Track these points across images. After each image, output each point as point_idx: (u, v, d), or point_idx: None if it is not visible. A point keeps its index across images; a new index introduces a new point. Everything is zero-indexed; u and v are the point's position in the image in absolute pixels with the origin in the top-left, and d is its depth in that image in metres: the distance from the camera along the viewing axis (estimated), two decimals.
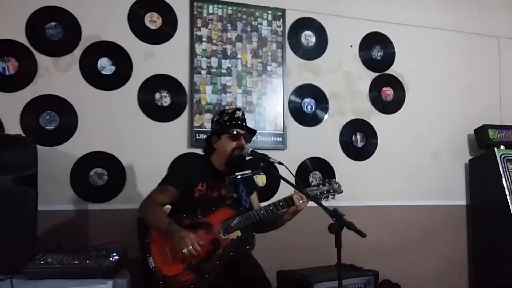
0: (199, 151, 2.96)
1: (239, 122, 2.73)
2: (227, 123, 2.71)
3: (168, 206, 2.74)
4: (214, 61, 3.65)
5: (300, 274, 3.18)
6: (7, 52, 3.20)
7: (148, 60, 3.50)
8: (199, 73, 3.61)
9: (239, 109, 2.79)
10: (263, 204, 2.75)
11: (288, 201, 2.56)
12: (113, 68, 3.42)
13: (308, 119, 3.91)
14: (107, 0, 3.44)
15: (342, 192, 2.63)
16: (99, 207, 3.28)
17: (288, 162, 2.66)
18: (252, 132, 2.81)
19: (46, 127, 3.24)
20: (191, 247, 2.39)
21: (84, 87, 3.34)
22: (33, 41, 3.26)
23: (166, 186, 2.66)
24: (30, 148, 2.66)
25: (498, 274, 3.87)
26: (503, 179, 3.86)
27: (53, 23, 3.31)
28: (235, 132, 2.69)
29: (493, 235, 3.96)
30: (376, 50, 4.17)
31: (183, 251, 2.39)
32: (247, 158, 2.73)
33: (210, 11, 3.69)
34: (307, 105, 3.91)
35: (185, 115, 3.55)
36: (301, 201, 2.53)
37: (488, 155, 4.04)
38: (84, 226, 3.24)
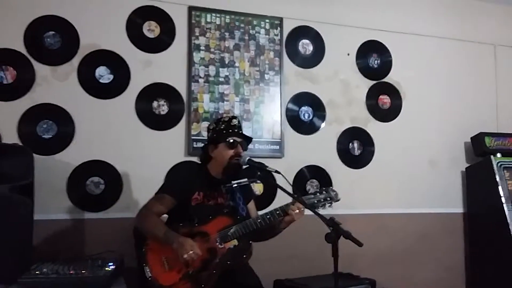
0: (196, 160, 2.96)
1: (236, 130, 2.72)
2: (224, 132, 2.71)
3: (165, 215, 2.73)
4: (212, 70, 3.67)
5: (297, 283, 3.17)
6: (5, 61, 3.21)
7: (146, 69, 3.51)
8: (197, 81, 3.62)
9: (235, 117, 2.79)
10: (260, 212, 2.75)
11: (285, 209, 2.55)
12: (111, 76, 3.43)
13: (305, 127, 3.92)
14: (106, 9, 3.45)
15: (339, 200, 2.61)
16: (95, 216, 3.28)
17: (285, 170, 2.67)
18: (249, 139, 2.81)
19: (44, 136, 3.25)
20: (191, 252, 2.38)
21: (82, 96, 3.35)
22: (31, 50, 3.27)
23: (163, 195, 2.65)
24: (27, 157, 2.66)
25: (495, 281, 3.88)
26: (500, 187, 3.86)
27: (51, 32, 3.32)
28: (232, 141, 2.68)
29: (489, 242, 3.97)
30: (373, 58, 4.19)
31: (184, 256, 2.37)
32: (244, 166, 2.74)
33: (208, 19, 3.70)
34: (304, 113, 3.92)
35: (182, 123, 3.56)
36: (296, 211, 2.51)
37: (484, 162, 4.05)
38: (81, 235, 3.23)
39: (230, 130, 2.71)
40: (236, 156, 2.67)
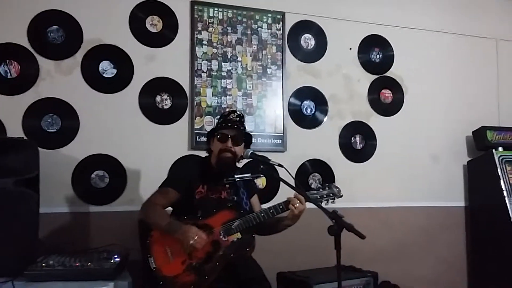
0: (200, 154, 2.98)
1: (229, 124, 2.68)
2: (218, 125, 2.73)
3: (170, 208, 2.76)
4: (214, 64, 3.68)
5: (300, 276, 3.20)
6: (9, 55, 3.23)
7: (149, 63, 3.52)
8: (200, 76, 3.63)
9: (234, 111, 2.77)
10: (263, 206, 2.77)
11: (288, 204, 2.56)
12: (115, 71, 3.45)
13: (307, 121, 3.93)
14: (109, 3, 3.47)
15: (341, 196, 2.63)
16: (100, 209, 3.31)
17: (287, 164, 2.68)
18: (248, 136, 2.78)
19: (48, 130, 3.27)
20: (196, 237, 2.41)
21: (85, 90, 3.36)
22: (35, 45, 3.28)
23: (167, 188, 2.68)
24: (32, 150, 2.68)
25: (497, 275, 3.89)
26: (502, 181, 3.88)
27: (55, 27, 3.34)
28: (221, 134, 2.68)
29: (491, 236, 3.98)
30: (375, 52, 4.19)
31: (190, 243, 2.40)
32: (247, 160, 2.75)
33: (211, 14, 3.71)
34: (307, 108, 3.94)
35: (185, 117, 3.58)
36: (297, 204, 2.51)
37: (486, 157, 4.07)
38: (86, 228, 3.26)
39: (224, 124, 2.70)
40: (226, 151, 2.66)
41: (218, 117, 2.83)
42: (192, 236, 2.41)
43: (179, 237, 2.45)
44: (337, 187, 2.64)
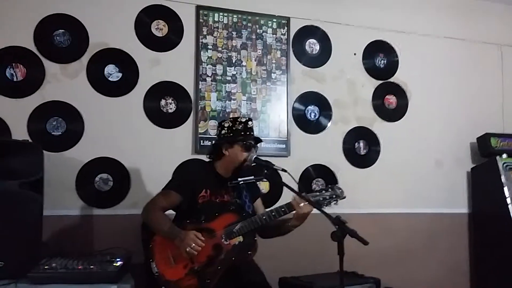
0: (204, 158, 2.98)
1: (252, 133, 2.75)
2: (242, 133, 2.71)
3: (173, 212, 2.77)
4: (219, 69, 3.70)
5: (302, 281, 3.18)
6: (15, 58, 3.24)
7: (154, 67, 3.54)
8: (204, 80, 3.65)
9: (251, 119, 2.79)
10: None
11: (290, 206, 2.57)
12: (120, 75, 3.46)
13: (311, 127, 3.93)
14: (114, 7, 3.49)
15: (344, 197, 2.63)
16: (104, 213, 3.31)
17: (291, 169, 2.68)
18: (259, 141, 2.84)
19: (53, 133, 3.29)
20: (193, 245, 2.42)
21: (91, 93, 3.38)
22: (41, 48, 3.30)
23: (170, 191, 2.68)
24: (37, 153, 2.71)
25: (500, 282, 3.88)
26: (505, 188, 3.87)
27: (61, 30, 3.36)
28: (250, 144, 2.71)
29: (494, 243, 3.97)
30: (380, 58, 4.19)
31: (187, 250, 2.42)
32: (252, 164, 2.76)
33: (216, 19, 3.73)
34: (311, 113, 3.94)
35: (190, 121, 3.59)
36: (301, 205, 2.53)
37: (490, 163, 4.05)
38: (89, 231, 3.27)
39: (248, 133, 2.72)
40: (248, 160, 2.70)
41: (230, 122, 2.77)
42: (189, 243, 2.42)
43: (177, 243, 2.46)
44: (340, 188, 2.63)
